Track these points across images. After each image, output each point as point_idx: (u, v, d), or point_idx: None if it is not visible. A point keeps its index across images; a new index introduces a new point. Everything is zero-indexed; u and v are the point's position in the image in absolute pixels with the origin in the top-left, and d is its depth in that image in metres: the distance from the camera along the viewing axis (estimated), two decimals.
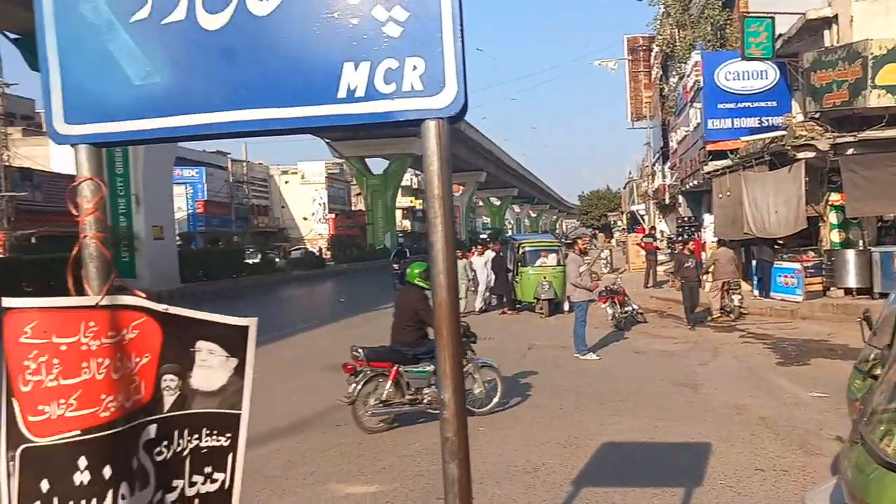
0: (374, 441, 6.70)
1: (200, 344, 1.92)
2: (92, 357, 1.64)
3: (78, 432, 1.64)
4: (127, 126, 1.69)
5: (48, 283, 21.25)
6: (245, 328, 1.96)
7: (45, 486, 1.63)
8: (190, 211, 49.97)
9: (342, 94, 1.61)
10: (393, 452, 6.32)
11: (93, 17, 1.66)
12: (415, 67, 1.59)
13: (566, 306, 16.00)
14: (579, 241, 12.20)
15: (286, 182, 66.99)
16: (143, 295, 1.78)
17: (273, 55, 1.63)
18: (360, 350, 7.22)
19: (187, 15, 1.64)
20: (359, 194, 68.05)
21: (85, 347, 1.63)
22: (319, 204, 66.92)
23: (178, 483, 1.96)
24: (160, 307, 1.80)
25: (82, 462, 1.64)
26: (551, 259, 17.10)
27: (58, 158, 38.90)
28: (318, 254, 48.04)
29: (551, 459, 5.89)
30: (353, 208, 73.51)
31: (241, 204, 56.58)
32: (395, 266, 26.13)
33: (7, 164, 31.60)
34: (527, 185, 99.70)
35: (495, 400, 7.54)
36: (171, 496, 1.95)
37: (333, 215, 66.48)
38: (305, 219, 66.25)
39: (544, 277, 16.41)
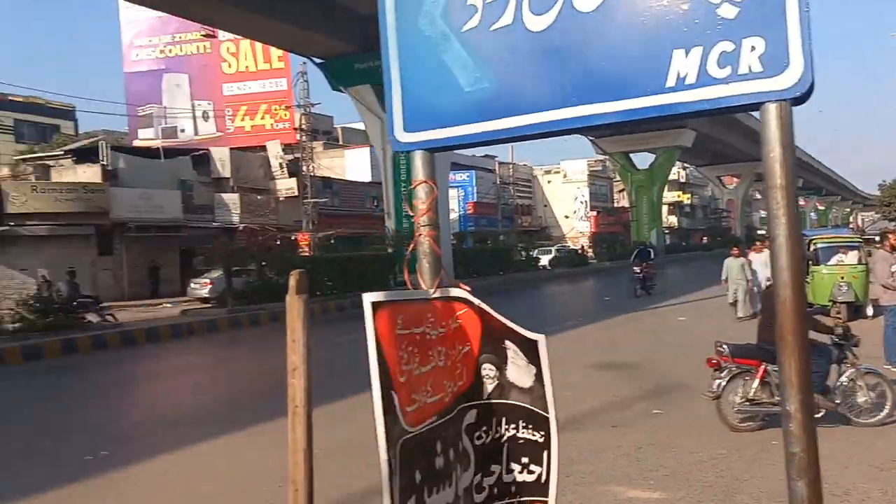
0: (653, 446, 6.48)
1: (508, 343, 1.99)
2: (434, 345, 1.76)
3: (435, 418, 1.73)
4: (457, 131, 1.79)
5: (344, 278, 23.85)
6: (535, 342, 2.00)
7: (417, 476, 1.67)
8: (461, 212, 52.83)
9: (671, 82, 1.54)
10: (674, 459, 6.05)
11: (429, 31, 1.79)
12: (753, 48, 1.47)
13: (869, 311, 14.14)
14: (890, 236, 10.64)
15: (549, 181, 67.90)
16: (468, 288, 1.88)
17: (598, 49, 1.62)
18: (724, 346, 7.01)
19: (514, 19, 1.70)
20: (622, 190, 66.68)
21: (429, 337, 1.75)
22: (581, 202, 66.78)
23: (496, 468, 2.03)
24: (477, 301, 1.89)
25: (439, 446, 1.74)
26: (850, 257, 15.18)
27: (351, 168, 43.54)
28: (580, 251, 47.98)
29: (866, 483, 5.22)
30: (615, 205, 72.23)
31: (506, 204, 58.45)
32: (636, 269, 22.24)
33: (312, 174, 36.01)
34: (813, 174, 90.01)
35: (885, 410, 6.78)
36: (490, 479, 2.03)
37: (595, 213, 65.91)
38: (567, 217, 66.54)
39: (841, 277, 14.62)
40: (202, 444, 7.18)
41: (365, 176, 42.15)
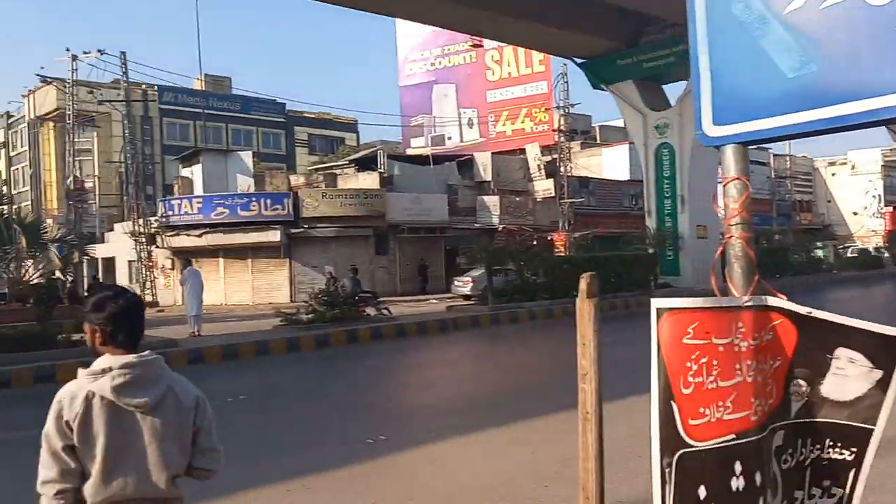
0: None
1: (840, 351, 1.75)
2: (742, 359, 1.63)
3: (733, 436, 1.61)
4: (777, 122, 1.62)
5: (602, 279, 23.53)
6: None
7: (702, 492, 1.61)
8: None
9: None
10: None
11: (744, 15, 1.64)
12: None
13: None
14: None
15: (832, 174, 60.90)
16: (784, 297, 1.70)
17: None
18: None
19: None
20: None
21: (736, 349, 1.62)
22: (873, 196, 58.88)
23: (798, 494, 1.85)
24: (803, 310, 1.70)
25: (737, 467, 1.62)
26: None
27: (608, 166, 42.97)
28: (874, 252, 42.34)
29: None
30: None
31: (782, 200, 53.59)
32: None
33: (569, 174, 36.15)
34: None
35: None
36: None
37: (891, 208, 57.67)
38: (856, 213, 59.09)
39: None
40: (471, 436, 7.48)
41: (623, 174, 41.31)
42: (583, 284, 1.98)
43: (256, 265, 30.63)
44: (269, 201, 30.12)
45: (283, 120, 54.87)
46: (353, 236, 30.51)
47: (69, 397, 2.15)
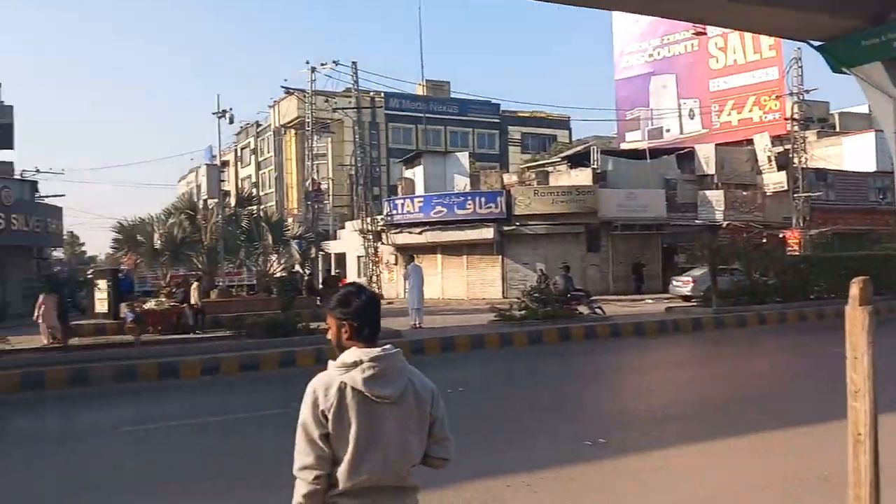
0: None
1: None
2: None
3: None
4: None
5: (844, 281, 21.23)
6: None
7: None
8: None
9: None
10: None
11: None
12: None
13: None
14: None
15: None
16: None
17: None
18: None
19: None
20: None
21: None
22: None
23: None
24: None
25: None
26: None
27: (850, 156, 38.67)
28: None
29: None
30: None
31: None
32: None
33: (804, 165, 33.07)
34: None
35: None
36: None
37: None
38: None
39: None
40: (696, 445, 7.10)
41: (868, 165, 36.94)
42: (854, 290, 1.76)
43: (471, 261, 31.60)
44: (483, 200, 30.95)
45: (497, 120, 56.11)
46: (564, 233, 30.37)
47: (323, 388, 2.28)
